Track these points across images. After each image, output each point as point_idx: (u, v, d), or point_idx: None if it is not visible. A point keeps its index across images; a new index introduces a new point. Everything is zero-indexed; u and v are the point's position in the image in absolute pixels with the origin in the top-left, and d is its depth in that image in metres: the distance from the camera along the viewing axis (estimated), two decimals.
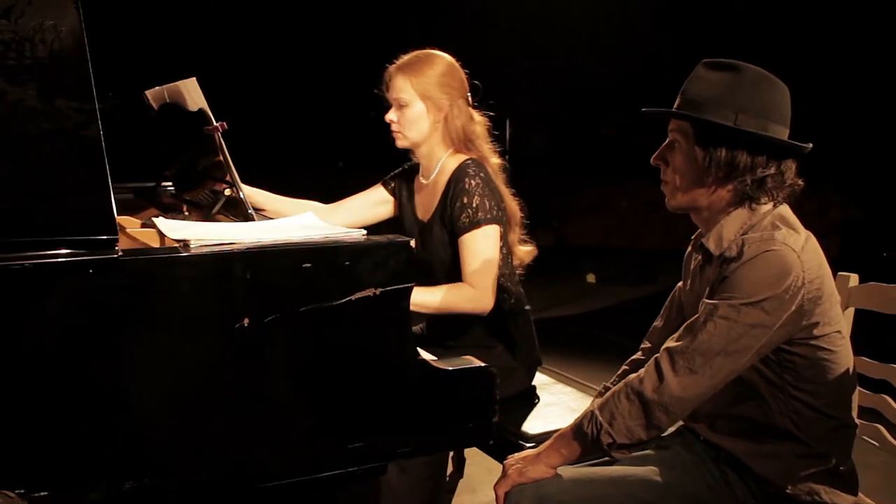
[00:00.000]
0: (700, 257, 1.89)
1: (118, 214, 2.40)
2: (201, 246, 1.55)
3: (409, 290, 1.70)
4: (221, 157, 2.06)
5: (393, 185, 2.76)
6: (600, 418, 1.77)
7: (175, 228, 1.72)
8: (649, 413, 1.72)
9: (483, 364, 1.81)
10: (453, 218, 2.44)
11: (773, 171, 1.76)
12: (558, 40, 7.80)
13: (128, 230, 2.29)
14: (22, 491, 1.43)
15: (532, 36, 8.00)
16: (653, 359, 1.77)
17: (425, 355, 1.96)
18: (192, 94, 2.13)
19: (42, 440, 1.43)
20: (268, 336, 1.56)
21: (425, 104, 2.47)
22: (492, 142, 2.61)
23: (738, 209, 1.79)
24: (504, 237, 2.56)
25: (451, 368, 1.76)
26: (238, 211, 2.03)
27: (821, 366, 1.75)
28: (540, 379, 2.78)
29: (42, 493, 1.44)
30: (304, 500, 2.01)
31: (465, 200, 2.41)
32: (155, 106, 2.46)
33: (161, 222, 1.80)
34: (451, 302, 2.41)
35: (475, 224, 2.41)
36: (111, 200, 1.51)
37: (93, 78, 1.77)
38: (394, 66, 2.51)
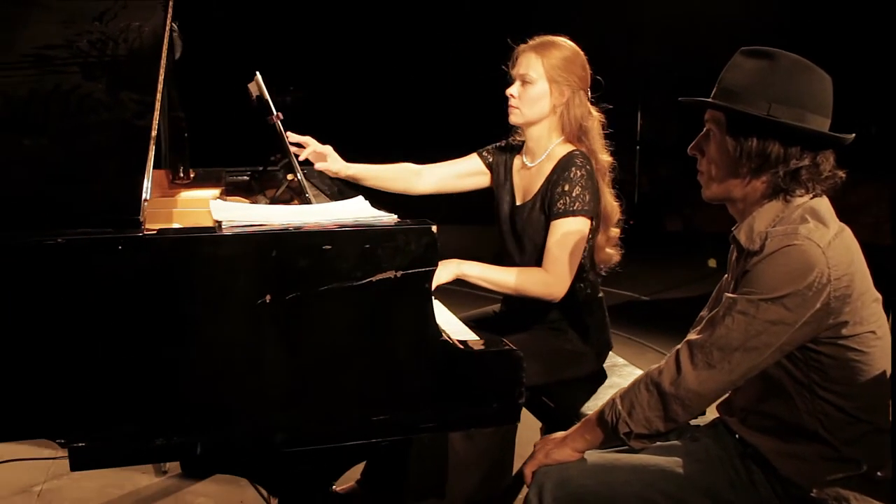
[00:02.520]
0: (735, 250, 1.70)
1: (234, 196, 2.47)
2: (232, 227, 1.55)
3: (431, 273, 1.63)
4: (282, 145, 2.05)
5: (490, 158, 2.62)
6: (620, 407, 1.64)
7: (222, 209, 1.73)
8: (667, 405, 1.58)
9: (509, 347, 1.71)
10: (551, 202, 2.33)
11: (807, 162, 1.55)
12: (692, 34, 7.37)
13: None
14: (62, 441, 1.47)
15: (666, 30, 7.61)
16: (674, 351, 1.62)
17: (464, 335, 1.88)
18: (261, 86, 2.13)
19: (79, 397, 1.48)
20: (288, 312, 1.54)
21: (550, 86, 2.35)
22: (605, 138, 2.45)
23: (772, 201, 1.60)
24: (594, 233, 2.42)
25: (472, 350, 1.68)
26: (298, 194, 2.02)
27: (850, 367, 1.54)
28: (613, 361, 2.65)
29: (80, 444, 1.48)
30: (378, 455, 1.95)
31: (566, 188, 2.30)
32: (253, 96, 2.48)
33: (214, 204, 1.81)
34: (524, 284, 2.31)
35: (569, 212, 2.29)
36: (143, 183, 1.52)
37: (161, 73, 1.80)
38: (526, 44, 2.40)
